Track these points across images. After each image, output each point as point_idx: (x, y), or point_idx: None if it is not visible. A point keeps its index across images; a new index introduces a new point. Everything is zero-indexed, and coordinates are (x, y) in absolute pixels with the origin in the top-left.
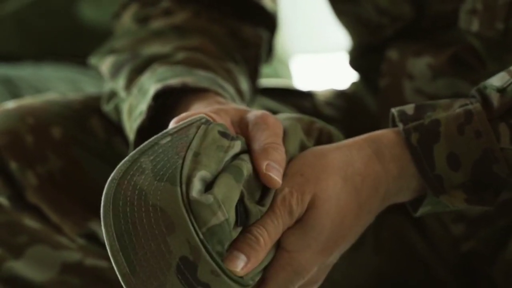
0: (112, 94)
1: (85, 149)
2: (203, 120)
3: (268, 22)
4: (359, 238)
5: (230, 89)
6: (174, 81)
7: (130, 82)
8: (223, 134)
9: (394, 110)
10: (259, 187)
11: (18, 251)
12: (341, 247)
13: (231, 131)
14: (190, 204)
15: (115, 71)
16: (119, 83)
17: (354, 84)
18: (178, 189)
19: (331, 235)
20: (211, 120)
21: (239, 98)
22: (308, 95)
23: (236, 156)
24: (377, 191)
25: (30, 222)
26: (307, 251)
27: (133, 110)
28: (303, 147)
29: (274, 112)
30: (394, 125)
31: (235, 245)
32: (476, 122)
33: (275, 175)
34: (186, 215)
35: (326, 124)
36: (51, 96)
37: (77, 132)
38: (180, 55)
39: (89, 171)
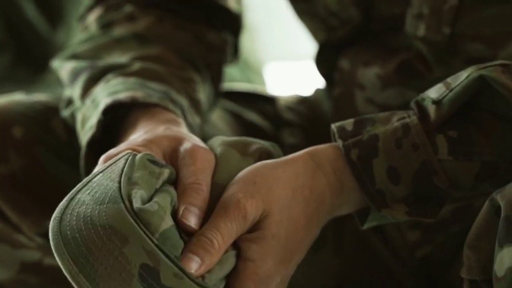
0: (70, 101)
1: (47, 149)
2: (131, 154)
3: (233, 23)
4: (320, 241)
5: (184, 102)
6: (123, 96)
7: (85, 92)
8: (153, 162)
9: (333, 126)
10: None
11: None
12: (295, 259)
13: (160, 160)
14: (137, 215)
15: (73, 79)
16: (76, 91)
17: (316, 90)
18: (122, 205)
19: (287, 245)
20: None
21: (193, 110)
22: (271, 100)
23: (164, 184)
24: (323, 203)
25: None
26: (269, 259)
27: (86, 122)
28: (239, 170)
29: (236, 115)
30: (335, 140)
31: (189, 247)
32: (413, 135)
33: (191, 221)
34: (135, 225)
35: (264, 143)
36: (16, 96)
37: (38, 132)
38: (136, 66)
39: (50, 171)
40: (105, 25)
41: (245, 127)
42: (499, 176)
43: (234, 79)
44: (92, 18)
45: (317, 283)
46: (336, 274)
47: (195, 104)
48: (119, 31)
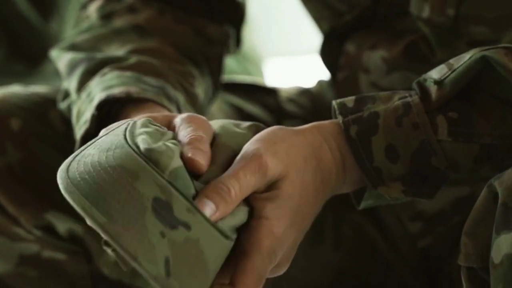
0: (67, 93)
1: (44, 142)
2: (132, 121)
3: (236, 14)
4: (318, 234)
5: (180, 97)
6: (118, 91)
7: (81, 85)
8: (154, 124)
9: (334, 103)
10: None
11: None
12: (304, 225)
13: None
14: (145, 155)
15: (70, 71)
16: (72, 84)
17: (319, 82)
18: (129, 148)
19: (298, 210)
20: None
21: (190, 105)
22: (273, 92)
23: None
24: (329, 177)
25: None
26: (283, 220)
27: (81, 116)
28: (240, 138)
29: (237, 107)
30: (336, 117)
31: (205, 192)
32: (414, 114)
33: (199, 158)
34: (145, 163)
35: (253, 122)
36: (13, 88)
37: (36, 124)
38: (133, 59)
39: (47, 163)
40: (106, 15)
41: (246, 120)
42: (498, 159)
43: (232, 71)
44: (93, 7)
45: (316, 277)
46: (334, 268)
47: (191, 98)
48: (119, 22)
